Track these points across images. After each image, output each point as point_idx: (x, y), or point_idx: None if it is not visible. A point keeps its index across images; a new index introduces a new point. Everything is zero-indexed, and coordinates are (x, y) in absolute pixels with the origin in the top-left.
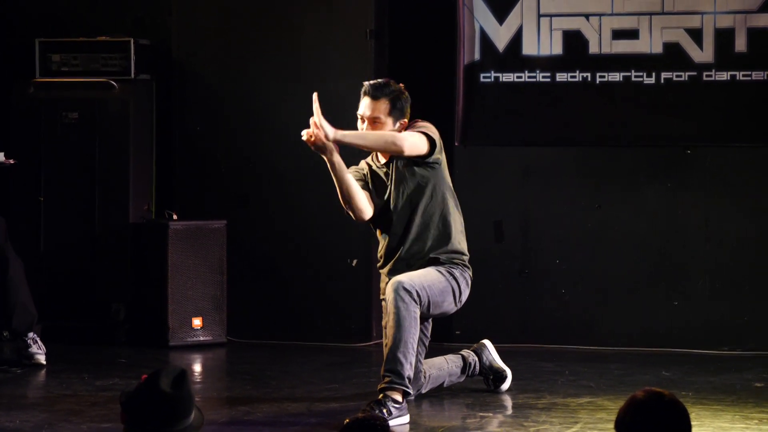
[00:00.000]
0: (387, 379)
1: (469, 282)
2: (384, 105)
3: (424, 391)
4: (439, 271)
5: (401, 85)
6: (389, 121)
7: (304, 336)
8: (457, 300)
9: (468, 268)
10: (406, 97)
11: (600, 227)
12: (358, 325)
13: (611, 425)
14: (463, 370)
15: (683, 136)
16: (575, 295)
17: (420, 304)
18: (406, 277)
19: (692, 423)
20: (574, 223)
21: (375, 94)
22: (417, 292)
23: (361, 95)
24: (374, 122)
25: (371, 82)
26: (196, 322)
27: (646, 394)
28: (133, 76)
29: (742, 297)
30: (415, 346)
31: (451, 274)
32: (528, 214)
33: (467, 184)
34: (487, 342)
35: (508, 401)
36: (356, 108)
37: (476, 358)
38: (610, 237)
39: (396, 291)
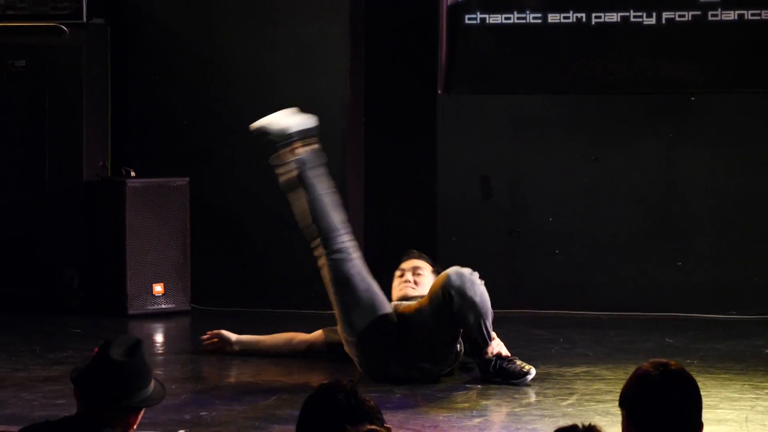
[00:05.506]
0: None
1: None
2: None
3: None
4: None
5: None
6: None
7: (274, 303)
8: None
9: None
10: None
11: (596, 182)
12: None
13: (610, 396)
14: None
15: (686, 82)
16: (569, 256)
17: None
18: None
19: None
20: (568, 177)
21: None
22: None
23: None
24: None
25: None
26: (158, 288)
27: (651, 365)
28: (85, 20)
29: (751, 256)
30: None
31: None
32: (517, 169)
33: (451, 137)
34: None
35: None
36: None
37: None
38: (606, 192)
39: None
